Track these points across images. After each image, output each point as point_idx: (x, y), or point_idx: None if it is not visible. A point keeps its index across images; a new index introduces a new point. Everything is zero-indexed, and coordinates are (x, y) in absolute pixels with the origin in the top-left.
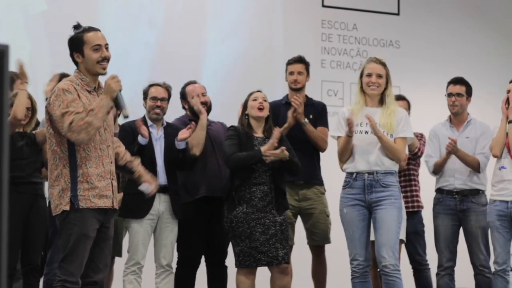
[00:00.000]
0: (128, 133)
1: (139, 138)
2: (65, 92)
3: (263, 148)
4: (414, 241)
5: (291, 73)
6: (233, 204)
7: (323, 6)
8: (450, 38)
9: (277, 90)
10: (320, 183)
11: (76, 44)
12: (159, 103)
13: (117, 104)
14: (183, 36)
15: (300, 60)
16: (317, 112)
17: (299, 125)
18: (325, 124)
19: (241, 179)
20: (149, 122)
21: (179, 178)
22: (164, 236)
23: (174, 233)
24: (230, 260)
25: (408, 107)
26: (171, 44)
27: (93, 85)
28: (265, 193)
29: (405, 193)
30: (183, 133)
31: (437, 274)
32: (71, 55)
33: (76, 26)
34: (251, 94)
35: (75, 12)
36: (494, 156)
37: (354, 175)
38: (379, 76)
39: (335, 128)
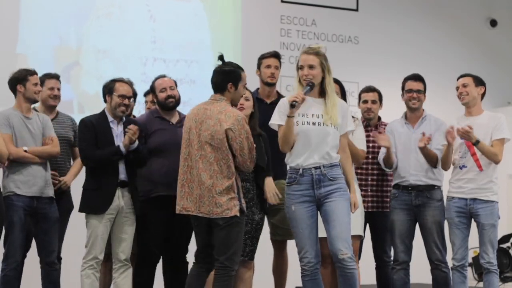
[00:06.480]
0: (90, 130)
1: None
2: (245, 123)
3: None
4: (381, 238)
5: (268, 66)
6: None
7: (282, 1)
8: (408, 34)
9: None
10: None
11: None
12: (126, 101)
13: None
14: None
15: (276, 55)
16: None
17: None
18: None
19: None
20: (110, 118)
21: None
22: (123, 230)
23: (132, 227)
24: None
25: (380, 99)
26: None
27: None
28: (247, 189)
29: (376, 192)
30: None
31: (392, 269)
32: None
33: None
34: None
35: None
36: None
37: (301, 170)
38: (311, 67)
39: (276, 118)
